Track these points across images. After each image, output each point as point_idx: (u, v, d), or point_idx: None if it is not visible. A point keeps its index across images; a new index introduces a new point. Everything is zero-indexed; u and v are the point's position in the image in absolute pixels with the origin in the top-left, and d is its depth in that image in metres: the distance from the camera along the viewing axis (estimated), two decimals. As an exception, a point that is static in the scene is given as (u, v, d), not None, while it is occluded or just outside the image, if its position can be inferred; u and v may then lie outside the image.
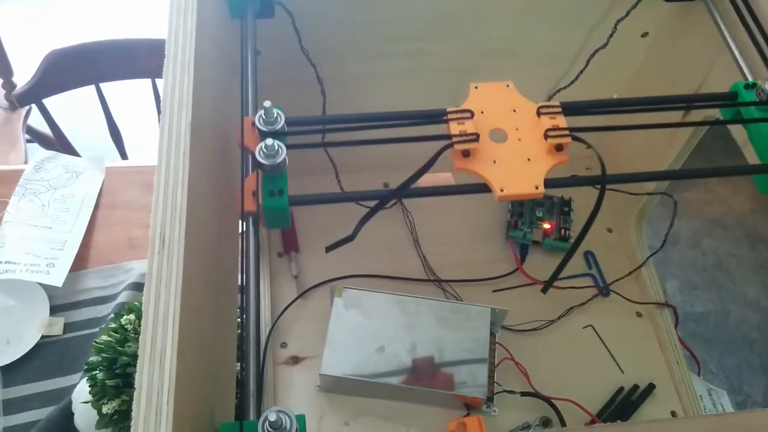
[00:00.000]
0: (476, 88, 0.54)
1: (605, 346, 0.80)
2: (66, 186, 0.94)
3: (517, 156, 0.50)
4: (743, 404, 1.47)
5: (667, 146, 0.77)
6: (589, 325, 0.81)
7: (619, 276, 0.85)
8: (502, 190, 0.48)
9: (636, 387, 0.77)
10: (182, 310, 0.32)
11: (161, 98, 0.38)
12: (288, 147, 0.48)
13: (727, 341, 1.57)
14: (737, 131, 0.59)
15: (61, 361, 0.81)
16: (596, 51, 0.76)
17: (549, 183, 0.49)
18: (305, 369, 0.77)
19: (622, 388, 0.77)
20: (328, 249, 0.52)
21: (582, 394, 0.74)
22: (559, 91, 0.82)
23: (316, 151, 0.76)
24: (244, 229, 0.46)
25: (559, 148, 0.50)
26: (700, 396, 0.83)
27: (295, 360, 0.78)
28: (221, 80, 0.52)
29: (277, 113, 0.48)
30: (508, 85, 0.54)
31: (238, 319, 0.57)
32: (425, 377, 0.71)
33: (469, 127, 0.50)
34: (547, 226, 0.86)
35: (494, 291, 0.84)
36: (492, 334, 0.75)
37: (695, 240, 1.72)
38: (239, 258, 0.46)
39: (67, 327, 0.84)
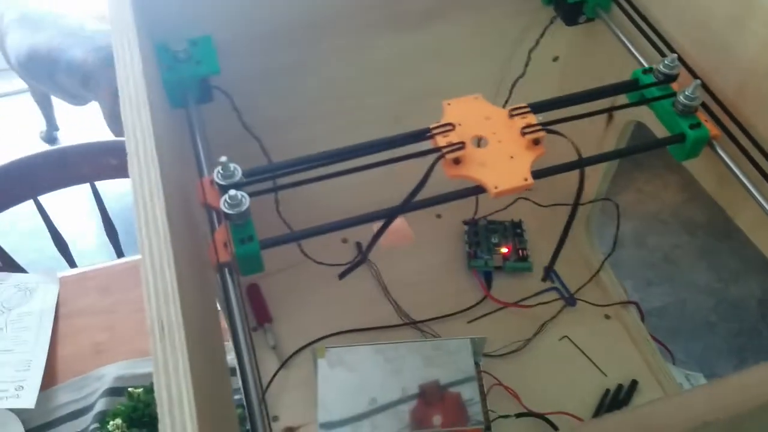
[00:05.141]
0: (449, 104, 0.58)
1: (583, 353, 0.83)
2: (21, 305, 0.92)
3: (501, 156, 0.54)
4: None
5: (600, 140, 0.82)
6: (564, 336, 0.84)
7: (580, 284, 0.88)
8: (496, 188, 0.52)
9: (621, 386, 0.80)
10: (195, 391, 0.33)
11: (133, 192, 0.39)
12: (250, 195, 0.49)
13: (689, 329, 1.63)
14: (652, 122, 0.64)
15: (44, 486, 0.78)
16: (516, 80, 0.81)
17: (536, 174, 0.53)
18: (302, 438, 0.76)
19: (608, 390, 0.80)
20: (341, 276, 0.55)
21: (572, 403, 0.77)
22: (489, 122, 0.87)
23: (273, 222, 0.78)
24: (221, 281, 0.47)
25: (536, 142, 0.54)
26: (680, 383, 0.86)
27: (291, 431, 0.77)
28: (178, 166, 0.54)
29: (234, 166, 0.51)
30: (476, 97, 0.58)
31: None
32: (422, 421, 0.72)
33: (453, 137, 0.54)
34: (504, 250, 0.90)
35: (469, 322, 0.86)
36: (476, 364, 0.76)
37: (640, 239, 1.80)
38: (223, 336, 0.47)
39: (46, 448, 0.80)
